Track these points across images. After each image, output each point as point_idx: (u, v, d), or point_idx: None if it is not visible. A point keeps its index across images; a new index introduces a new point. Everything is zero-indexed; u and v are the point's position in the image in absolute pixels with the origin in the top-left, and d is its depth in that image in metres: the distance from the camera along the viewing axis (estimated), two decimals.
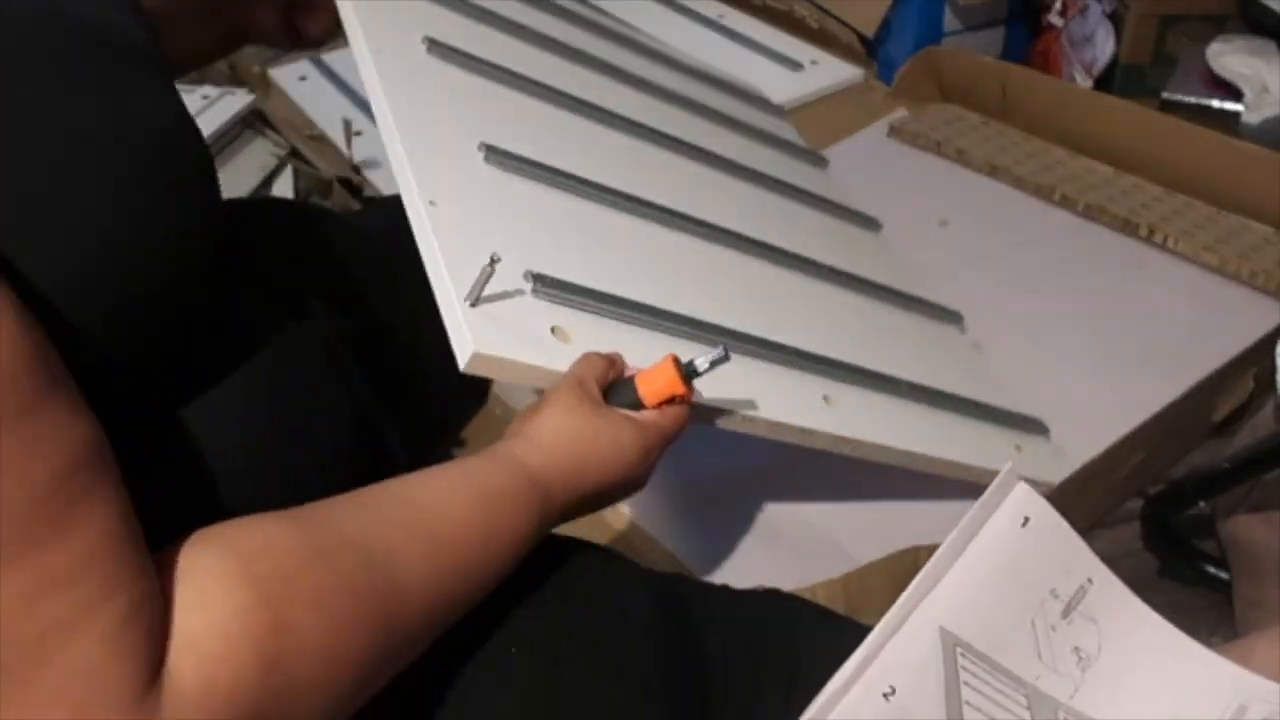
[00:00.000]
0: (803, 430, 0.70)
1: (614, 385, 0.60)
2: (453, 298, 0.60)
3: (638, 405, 0.59)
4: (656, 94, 1.05)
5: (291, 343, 0.62)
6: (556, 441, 0.55)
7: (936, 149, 1.30)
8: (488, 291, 0.60)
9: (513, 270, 0.63)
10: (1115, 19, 1.41)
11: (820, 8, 1.52)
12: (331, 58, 1.56)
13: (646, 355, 0.62)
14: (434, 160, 0.69)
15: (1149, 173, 1.20)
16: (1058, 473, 0.83)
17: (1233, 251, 1.09)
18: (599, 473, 0.55)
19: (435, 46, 0.81)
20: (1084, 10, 1.42)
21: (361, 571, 0.43)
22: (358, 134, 1.32)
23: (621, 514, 0.89)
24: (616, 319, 0.68)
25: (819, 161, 1.16)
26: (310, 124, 1.33)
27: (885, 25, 1.46)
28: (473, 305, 0.59)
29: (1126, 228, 1.15)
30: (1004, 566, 0.59)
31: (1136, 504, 0.83)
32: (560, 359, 0.60)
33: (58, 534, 0.35)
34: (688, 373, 0.58)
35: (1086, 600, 0.61)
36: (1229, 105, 1.30)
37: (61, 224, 0.43)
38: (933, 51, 1.40)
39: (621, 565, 0.61)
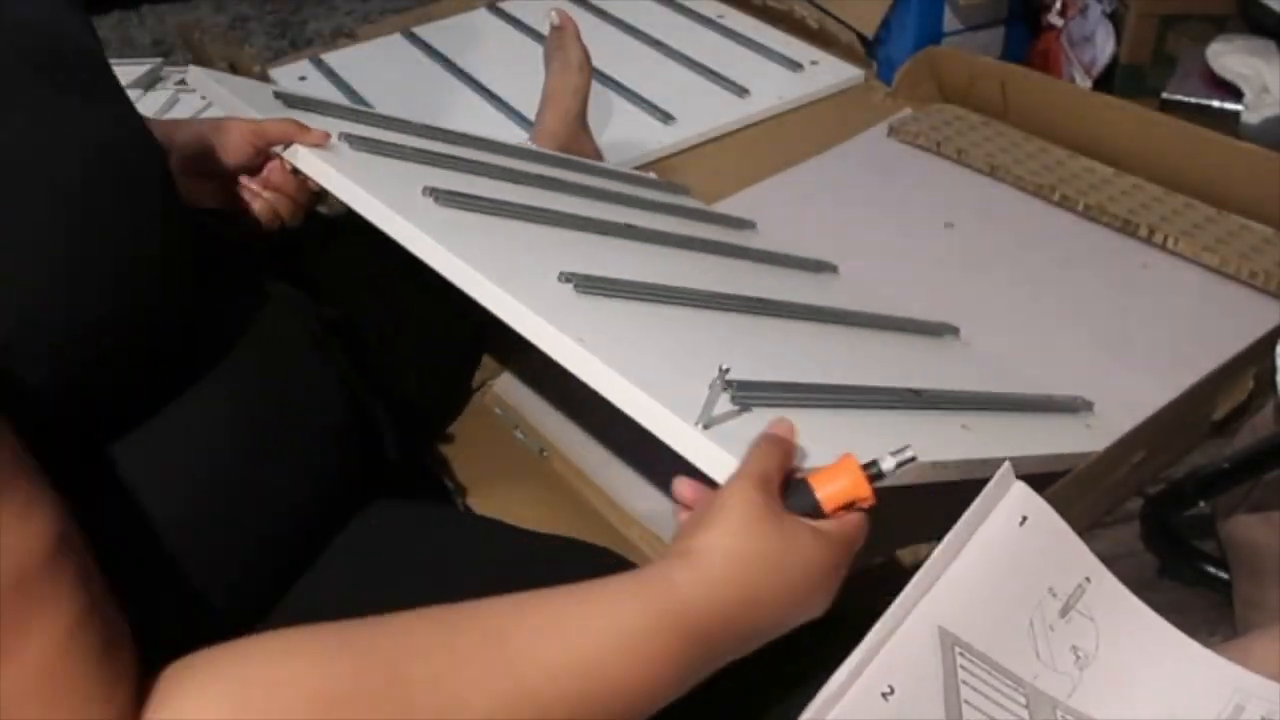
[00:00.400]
0: (981, 462, 0.69)
1: (787, 487, 0.51)
2: (679, 425, 0.55)
3: (816, 512, 0.50)
4: (634, 204, 1.04)
5: (280, 334, 0.61)
6: (729, 566, 0.45)
7: (936, 149, 1.30)
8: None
9: (703, 382, 0.59)
10: (1115, 19, 1.41)
11: (820, 8, 1.52)
12: (331, 57, 1.56)
13: (838, 434, 0.61)
14: (546, 304, 0.66)
15: (1149, 173, 1.20)
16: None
17: (1233, 252, 1.09)
18: (776, 602, 0.46)
19: (440, 195, 0.77)
20: (1084, 10, 1.42)
21: None
22: None
23: (626, 515, 0.89)
24: (799, 405, 0.64)
25: (748, 224, 1.16)
26: None
27: (885, 25, 1.46)
28: (705, 428, 0.55)
29: (1127, 228, 1.15)
30: (1002, 565, 0.59)
31: (1136, 504, 0.82)
32: (798, 456, 0.55)
33: (6, 654, 0.32)
34: (873, 475, 0.50)
35: (1085, 599, 0.61)
36: (1229, 105, 1.30)
37: (16, 247, 0.42)
38: (933, 51, 1.40)
39: (622, 567, 0.61)
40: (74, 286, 0.44)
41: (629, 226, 0.90)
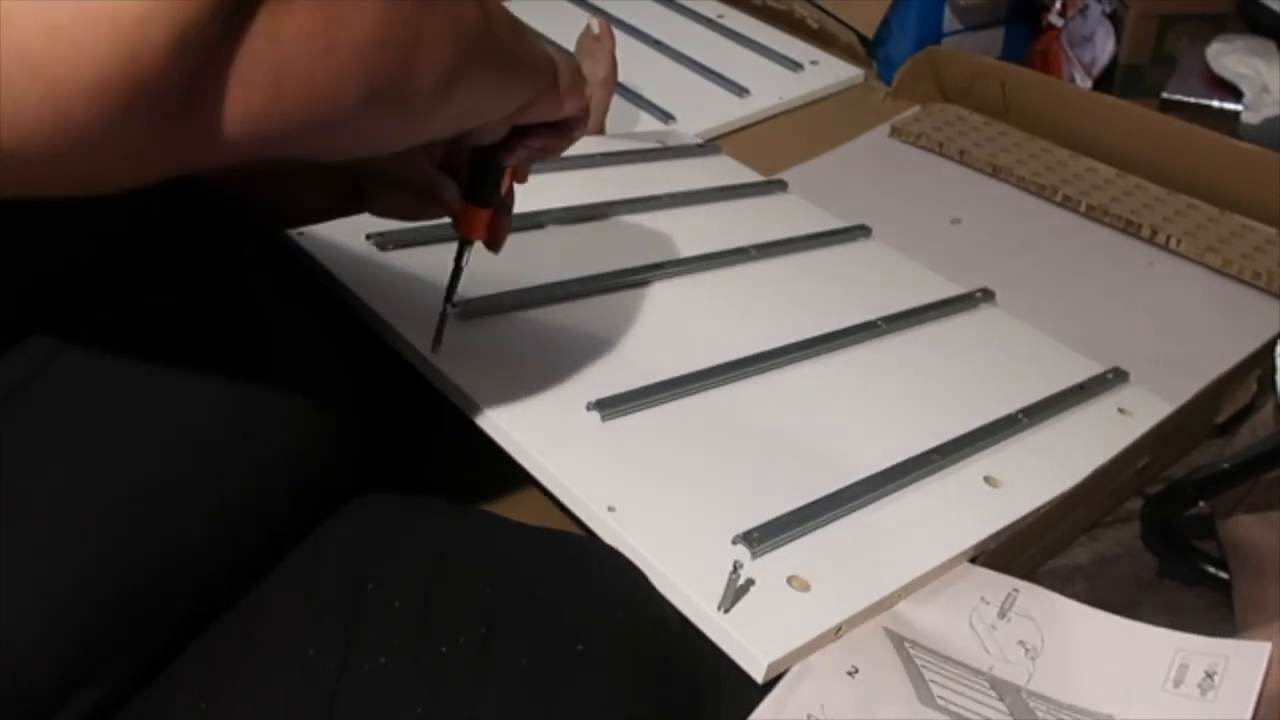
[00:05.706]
0: (1003, 529, 0.69)
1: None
2: (702, 609, 0.56)
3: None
4: (652, 206, 1.02)
5: (240, 297, 0.58)
6: None
7: (939, 149, 1.30)
8: None
9: (721, 539, 0.61)
10: (1115, 19, 1.41)
11: (820, 8, 1.51)
12: None
13: (837, 546, 0.64)
14: (575, 458, 0.66)
15: (1150, 173, 1.20)
16: (1168, 406, 0.85)
17: (1235, 253, 1.09)
18: None
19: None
20: (1084, 10, 1.42)
21: None
22: None
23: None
24: (820, 526, 0.65)
25: (778, 186, 1.14)
26: None
27: (885, 25, 1.46)
28: (726, 611, 0.56)
29: (1129, 228, 1.15)
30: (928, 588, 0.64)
31: (1136, 504, 0.82)
32: (818, 613, 0.58)
33: None
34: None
35: (1019, 603, 0.65)
36: (1229, 105, 1.30)
37: None
38: (933, 51, 1.40)
39: (613, 561, 0.61)
40: None
41: (657, 266, 0.90)
